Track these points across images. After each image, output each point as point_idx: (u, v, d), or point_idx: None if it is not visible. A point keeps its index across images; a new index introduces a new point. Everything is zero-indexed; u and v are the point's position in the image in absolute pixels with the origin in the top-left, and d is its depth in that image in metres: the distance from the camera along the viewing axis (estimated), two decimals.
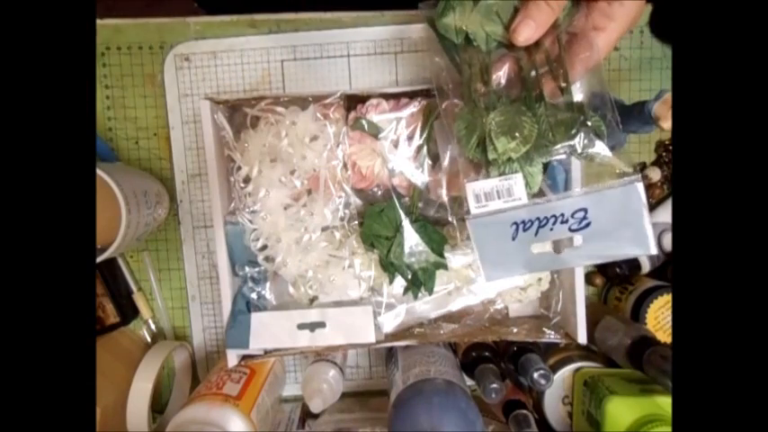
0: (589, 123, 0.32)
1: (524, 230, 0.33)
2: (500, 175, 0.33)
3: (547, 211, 0.33)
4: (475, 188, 0.33)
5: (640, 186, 0.32)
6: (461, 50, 0.35)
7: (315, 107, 0.42)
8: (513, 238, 0.34)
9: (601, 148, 0.32)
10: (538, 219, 0.33)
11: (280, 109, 0.42)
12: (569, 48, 0.34)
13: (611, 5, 0.33)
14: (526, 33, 0.32)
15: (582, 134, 0.32)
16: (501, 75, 0.35)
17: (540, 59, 0.34)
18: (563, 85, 0.33)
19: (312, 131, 0.41)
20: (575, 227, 0.33)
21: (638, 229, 0.32)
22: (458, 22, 0.34)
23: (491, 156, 0.32)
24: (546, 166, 0.40)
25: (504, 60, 0.35)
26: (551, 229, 0.33)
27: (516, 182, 0.33)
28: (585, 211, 0.33)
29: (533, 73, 0.34)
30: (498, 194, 0.33)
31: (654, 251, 0.33)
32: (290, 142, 0.41)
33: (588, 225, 0.33)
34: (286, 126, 0.42)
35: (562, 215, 0.33)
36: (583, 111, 0.33)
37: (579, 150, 0.32)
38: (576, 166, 0.40)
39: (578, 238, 0.34)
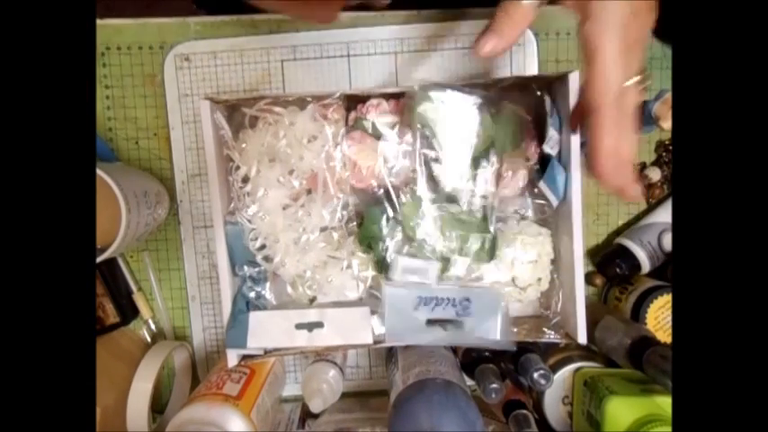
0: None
1: (425, 305, 0.40)
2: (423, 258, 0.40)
3: (444, 293, 0.40)
4: (406, 263, 0.40)
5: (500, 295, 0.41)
6: None
7: (314, 107, 0.42)
8: (415, 309, 0.41)
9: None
10: (436, 298, 0.40)
11: (278, 109, 0.42)
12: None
13: None
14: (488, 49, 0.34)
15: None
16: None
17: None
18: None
19: (310, 132, 0.41)
20: (460, 312, 0.40)
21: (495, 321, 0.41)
22: None
23: (420, 236, 0.40)
24: (546, 167, 0.41)
25: None
26: (443, 309, 0.41)
27: (433, 266, 0.40)
28: (469, 300, 0.40)
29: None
30: (418, 272, 0.41)
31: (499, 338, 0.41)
32: (288, 142, 0.41)
33: (470, 314, 0.40)
34: (284, 126, 0.42)
35: (453, 300, 0.40)
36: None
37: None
38: (576, 165, 0.40)
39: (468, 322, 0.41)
